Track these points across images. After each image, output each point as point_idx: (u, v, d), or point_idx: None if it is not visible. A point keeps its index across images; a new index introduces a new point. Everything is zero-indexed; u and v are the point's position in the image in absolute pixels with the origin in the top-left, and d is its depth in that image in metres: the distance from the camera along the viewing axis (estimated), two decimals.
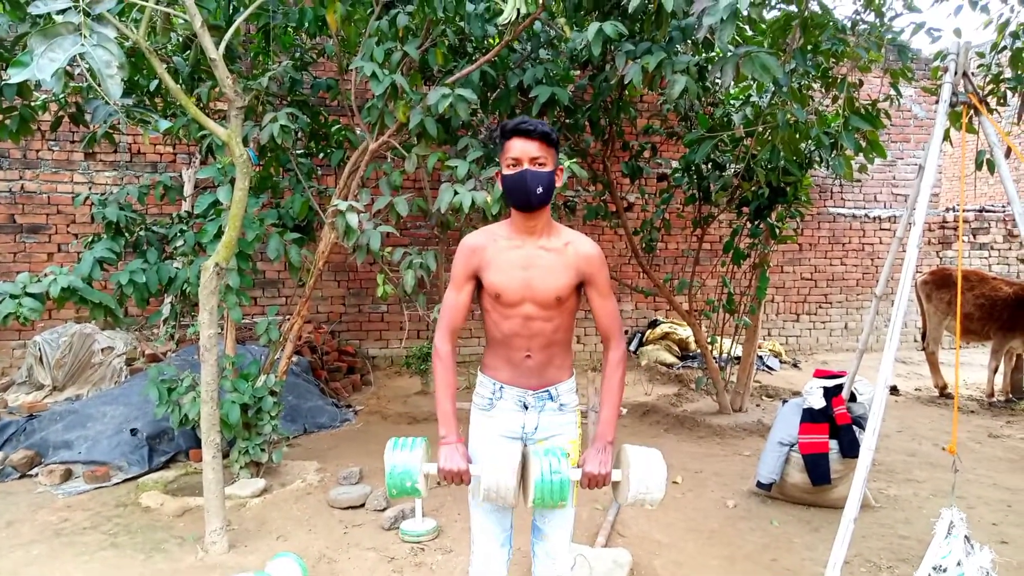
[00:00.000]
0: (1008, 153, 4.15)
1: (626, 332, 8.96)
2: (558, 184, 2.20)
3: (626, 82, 4.07)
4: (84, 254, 4.10)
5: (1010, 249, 10.03)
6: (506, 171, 2.14)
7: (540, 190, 2.11)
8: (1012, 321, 6.49)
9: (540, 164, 2.10)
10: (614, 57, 4.33)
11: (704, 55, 5.00)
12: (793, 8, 4.45)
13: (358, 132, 4.80)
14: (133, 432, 4.78)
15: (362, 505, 4.08)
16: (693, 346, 8.46)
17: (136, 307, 4.71)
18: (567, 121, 5.57)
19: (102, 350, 6.23)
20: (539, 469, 2.01)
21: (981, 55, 5.35)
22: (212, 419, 3.55)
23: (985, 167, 4.49)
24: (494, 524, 2.29)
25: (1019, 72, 5.09)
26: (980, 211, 10.14)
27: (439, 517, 3.89)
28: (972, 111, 2.98)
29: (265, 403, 4.29)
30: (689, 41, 4.52)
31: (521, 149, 2.11)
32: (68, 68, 3.03)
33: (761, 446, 4.62)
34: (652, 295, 7.01)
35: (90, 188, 7.25)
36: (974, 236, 9.92)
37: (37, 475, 4.57)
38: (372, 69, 3.97)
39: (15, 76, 2.51)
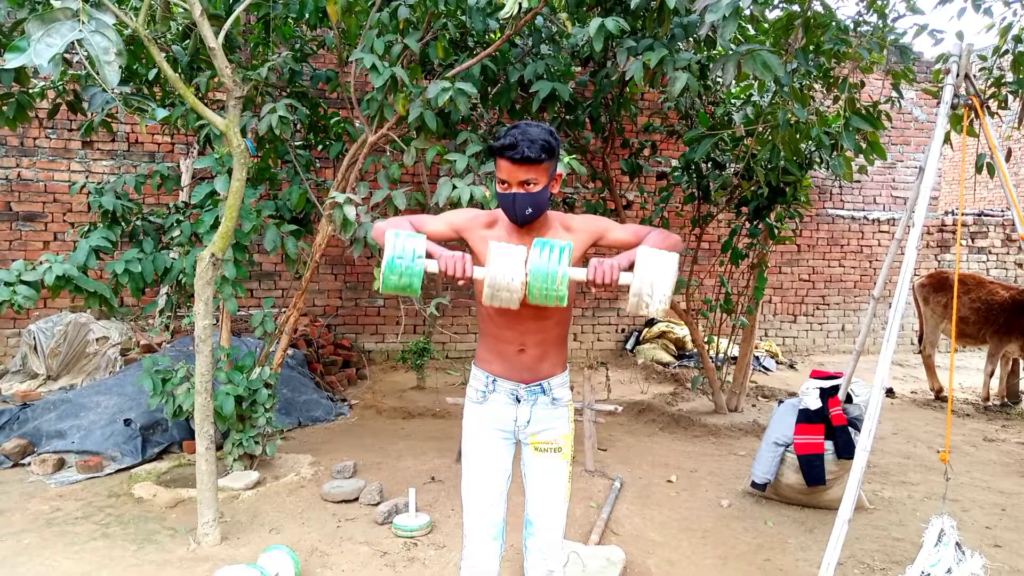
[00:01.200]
0: (1008, 156, 4.14)
1: (623, 331, 8.95)
2: (556, 188, 2.17)
3: (627, 79, 4.06)
4: (80, 243, 4.08)
5: (1008, 253, 10.04)
6: (497, 187, 2.12)
7: (529, 211, 2.09)
8: (1008, 325, 6.49)
9: (529, 185, 2.06)
10: (615, 53, 4.32)
11: (706, 53, 4.98)
12: (796, 7, 4.43)
13: (357, 124, 4.78)
14: (127, 422, 4.76)
15: (356, 499, 4.07)
16: (690, 345, 8.46)
17: (131, 297, 4.70)
18: (567, 117, 5.56)
19: (97, 340, 6.21)
20: (536, 256, 1.91)
21: (983, 58, 5.34)
22: (206, 410, 3.54)
23: (985, 170, 4.48)
24: (487, 518, 2.28)
25: (1020, 76, 5.08)
26: (979, 215, 10.14)
27: (432, 512, 3.88)
28: (973, 114, 2.97)
29: (260, 395, 4.27)
30: (691, 38, 4.50)
31: (508, 171, 2.05)
32: (66, 55, 3.01)
33: (756, 446, 4.62)
34: None
35: (87, 176, 7.23)
36: (972, 240, 9.93)
37: (29, 464, 4.55)
38: (372, 61, 3.95)
39: (12, 61, 2.49)
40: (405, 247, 1.93)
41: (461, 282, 1.98)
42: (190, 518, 3.70)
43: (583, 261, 2.19)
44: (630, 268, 1.97)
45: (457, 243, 2.28)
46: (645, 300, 1.91)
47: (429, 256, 1.99)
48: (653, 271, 1.90)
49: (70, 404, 5.06)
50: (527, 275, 1.91)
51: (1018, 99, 5.20)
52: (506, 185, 2.08)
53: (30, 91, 4.34)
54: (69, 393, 5.46)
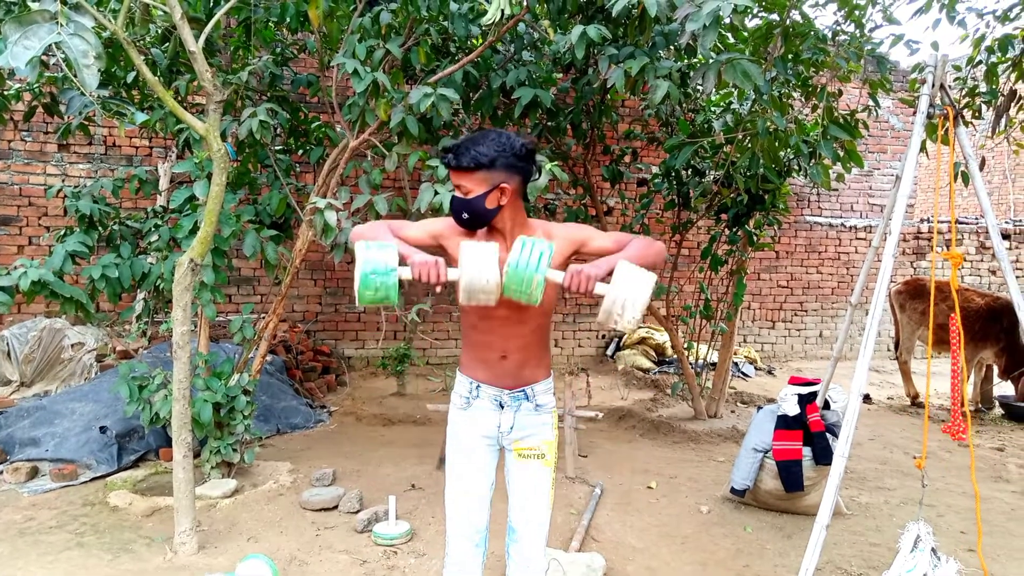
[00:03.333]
0: (982, 165, 4.21)
1: (603, 336, 8.98)
2: (504, 200, 2.12)
3: (608, 86, 4.08)
4: (56, 247, 4.02)
5: (982, 261, 10.20)
6: None
7: (464, 216, 2.13)
8: (983, 332, 6.58)
9: (463, 191, 2.11)
10: (597, 61, 4.34)
11: (686, 61, 5.02)
12: (775, 17, 4.48)
13: (338, 129, 4.76)
14: (102, 430, 4.70)
15: (335, 507, 4.04)
16: (670, 351, 8.50)
17: (108, 302, 4.64)
18: (549, 123, 5.58)
19: (72, 346, 6.12)
20: (516, 253, 1.92)
21: (958, 68, 5.44)
22: (183, 418, 3.50)
23: (960, 179, 4.56)
24: (469, 526, 2.28)
25: (993, 86, 5.18)
26: (954, 223, 10.28)
27: (413, 520, 3.86)
28: (948, 123, 3.01)
29: (238, 402, 4.23)
30: (672, 47, 4.54)
31: (451, 175, 2.15)
32: (43, 57, 2.98)
33: (735, 452, 4.64)
34: None
35: (63, 180, 7.13)
36: (948, 247, 10.07)
37: (2, 472, 4.47)
38: (354, 66, 3.94)
39: None
40: (377, 260, 1.92)
41: (438, 289, 1.99)
42: (167, 527, 3.65)
43: (566, 267, 2.20)
44: (609, 277, 1.98)
45: (435, 251, 2.27)
46: (615, 317, 1.93)
47: (403, 261, 1.98)
48: (627, 289, 1.92)
49: (44, 411, 4.98)
50: (504, 273, 1.91)
51: (991, 108, 5.29)
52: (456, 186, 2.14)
53: (5, 93, 4.28)
54: (43, 400, 5.38)
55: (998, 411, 6.87)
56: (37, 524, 3.79)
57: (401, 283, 1.96)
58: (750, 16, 4.43)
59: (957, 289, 2.89)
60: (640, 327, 8.88)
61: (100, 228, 4.38)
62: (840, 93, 5.10)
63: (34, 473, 4.46)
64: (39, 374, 6.02)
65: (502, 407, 2.27)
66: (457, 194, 2.13)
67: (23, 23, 2.48)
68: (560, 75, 5.72)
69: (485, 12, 3.83)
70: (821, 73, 4.97)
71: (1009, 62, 5.16)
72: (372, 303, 1.95)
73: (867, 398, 7.26)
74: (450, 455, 2.33)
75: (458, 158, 2.09)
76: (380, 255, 1.93)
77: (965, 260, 10.14)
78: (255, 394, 4.51)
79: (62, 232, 4.32)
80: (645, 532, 3.86)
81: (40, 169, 7.15)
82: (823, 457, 3.88)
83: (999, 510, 4.30)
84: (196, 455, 4.08)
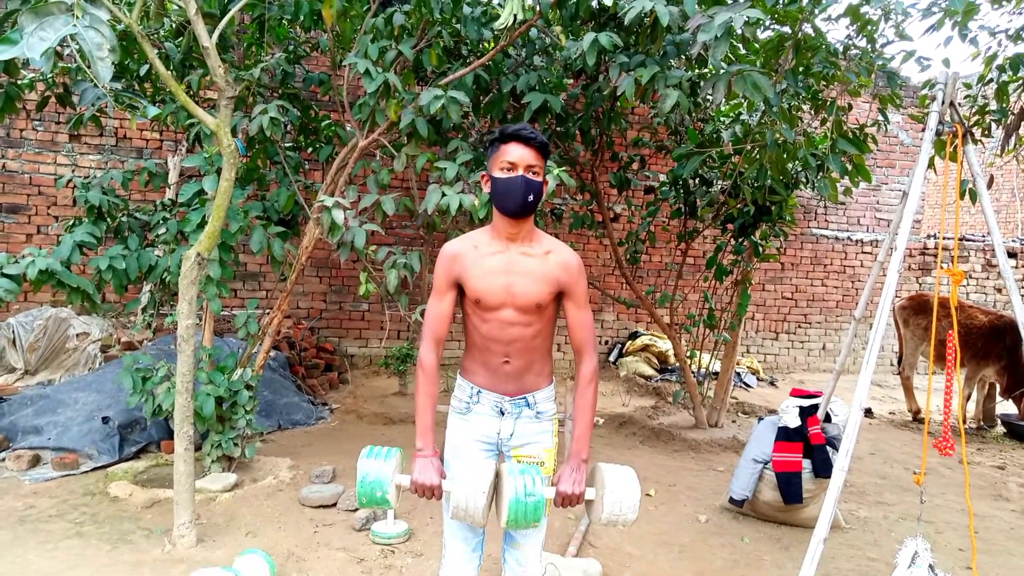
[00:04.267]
0: (990, 183, 4.21)
1: (606, 343, 8.98)
2: (543, 196, 2.22)
3: (618, 93, 4.09)
4: (64, 237, 4.04)
5: (988, 279, 10.17)
6: (499, 174, 2.13)
7: (532, 198, 2.12)
8: (986, 350, 6.57)
9: (535, 172, 2.12)
10: (608, 68, 4.35)
11: (697, 71, 5.03)
12: (787, 29, 4.49)
13: (348, 128, 4.78)
14: (105, 420, 4.72)
15: (334, 504, 4.05)
16: (672, 359, 8.50)
17: (114, 293, 4.66)
18: (558, 129, 5.59)
19: (77, 335, 6.15)
20: (514, 490, 1.98)
21: (968, 86, 5.44)
22: (186, 411, 3.51)
23: (967, 196, 4.55)
24: (466, 529, 2.28)
25: (1004, 105, 5.17)
26: (960, 240, 10.27)
27: (411, 520, 3.87)
28: (957, 140, 3.01)
29: (240, 397, 4.25)
30: (683, 56, 4.55)
31: (519, 155, 2.11)
32: (58, 48, 3.00)
33: (735, 462, 4.64)
34: (634, 307, 7.03)
35: (73, 171, 7.16)
36: (953, 264, 10.04)
37: (4, 460, 4.50)
38: (366, 66, 3.96)
39: (3, 54, 2.47)
40: (376, 480, 2.06)
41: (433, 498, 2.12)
42: (166, 519, 3.67)
43: (553, 297, 2.22)
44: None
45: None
46: (621, 521, 2.11)
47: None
48: (620, 497, 2.08)
49: (48, 400, 5.00)
50: (507, 508, 2.00)
51: (1001, 127, 5.29)
52: (512, 169, 2.12)
53: (19, 83, 4.31)
54: (47, 388, 5.40)
55: (1000, 429, 6.85)
56: (37, 512, 3.81)
57: (399, 490, 2.15)
58: (762, 28, 4.44)
59: (960, 306, 2.89)
60: (643, 333, 8.88)
61: (108, 219, 4.41)
62: (850, 107, 5.10)
63: (36, 461, 4.48)
64: (43, 363, 6.04)
65: (503, 414, 2.27)
66: (527, 175, 2.11)
67: (40, 14, 2.50)
68: (570, 81, 5.74)
69: (498, 16, 3.85)
70: (831, 87, 4.97)
71: (1020, 81, 5.16)
72: (370, 504, 2.11)
73: (868, 412, 7.25)
74: (448, 460, 2.33)
75: (540, 137, 2.15)
76: (378, 467, 2.07)
77: (971, 277, 10.12)
78: (257, 389, 4.53)
79: (71, 222, 4.35)
80: (642, 539, 3.86)
81: (51, 159, 7.19)
82: (823, 470, 3.88)
83: (999, 528, 4.30)
84: (197, 448, 4.09)
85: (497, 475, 2.11)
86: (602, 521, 2.09)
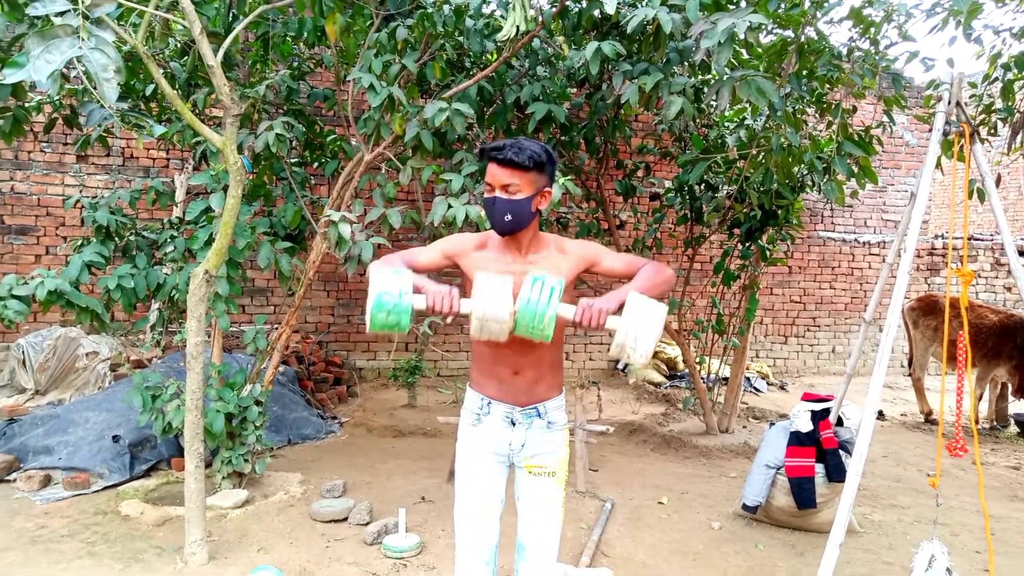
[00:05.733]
0: (998, 182, 4.19)
1: None
2: (543, 205, 2.15)
3: (622, 101, 4.09)
4: (72, 257, 4.06)
5: (997, 278, 10.12)
6: (484, 192, 2.14)
7: (508, 218, 2.09)
8: (997, 349, 6.53)
9: (511, 191, 2.07)
10: (611, 76, 4.36)
11: (700, 77, 5.03)
12: (790, 33, 4.49)
13: (353, 143, 4.79)
14: (115, 439, 4.72)
15: (345, 519, 4.04)
16: (681, 366, 8.47)
17: (123, 312, 4.67)
18: (563, 138, 5.60)
19: (87, 355, 6.17)
20: (527, 291, 1.90)
21: (973, 85, 5.43)
22: (196, 428, 3.51)
23: (976, 196, 4.53)
24: (479, 543, 2.27)
25: (1009, 103, 5.16)
26: (969, 239, 10.23)
27: (423, 533, 3.85)
28: (964, 140, 3.01)
29: (250, 413, 4.25)
30: (686, 63, 4.55)
31: (494, 174, 2.09)
32: (64, 70, 3.02)
33: (747, 468, 4.61)
34: None
35: (81, 191, 7.22)
36: (962, 263, 9.99)
37: (15, 480, 4.50)
38: (370, 81, 3.98)
39: (10, 76, 2.50)
40: (391, 284, 1.91)
41: (449, 318, 1.98)
42: (177, 537, 3.66)
43: (574, 285, 2.20)
44: (620, 309, 1.97)
45: (449, 273, 2.27)
46: (628, 351, 1.93)
47: (417, 291, 1.97)
48: (639, 324, 1.91)
49: (58, 420, 5.01)
50: (515, 310, 1.90)
51: (1007, 125, 5.27)
52: (490, 188, 2.10)
53: (27, 105, 4.34)
54: (57, 408, 5.42)
55: (1013, 429, 6.79)
56: (49, 532, 3.81)
57: (413, 311, 1.94)
58: (764, 33, 4.44)
59: (970, 306, 2.88)
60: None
61: (116, 239, 4.42)
62: (854, 109, 5.10)
63: (47, 481, 4.49)
64: (53, 382, 6.06)
65: (514, 424, 2.25)
66: (501, 195, 2.08)
67: (46, 37, 2.52)
68: (574, 90, 5.75)
69: (500, 28, 3.86)
70: (836, 89, 4.96)
71: None
72: (383, 328, 1.93)
73: (880, 415, 7.20)
74: (459, 472, 2.32)
75: (518, 154, 2.04)
76: (394, 280, 1.92)
77: (980, 276, 10.06)
78: (267, 405, 4.53)
79: (79, 242, 4.37)
80: (656, 548, 3.84)
81: (58, 180, 7.24)
82: (836, 474, 3.85)
83: (1016, 530, 4.25)
84: (208, 465, 4.09)
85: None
86: (614, 348, 1.94)
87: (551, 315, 1.90)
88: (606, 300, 1.97)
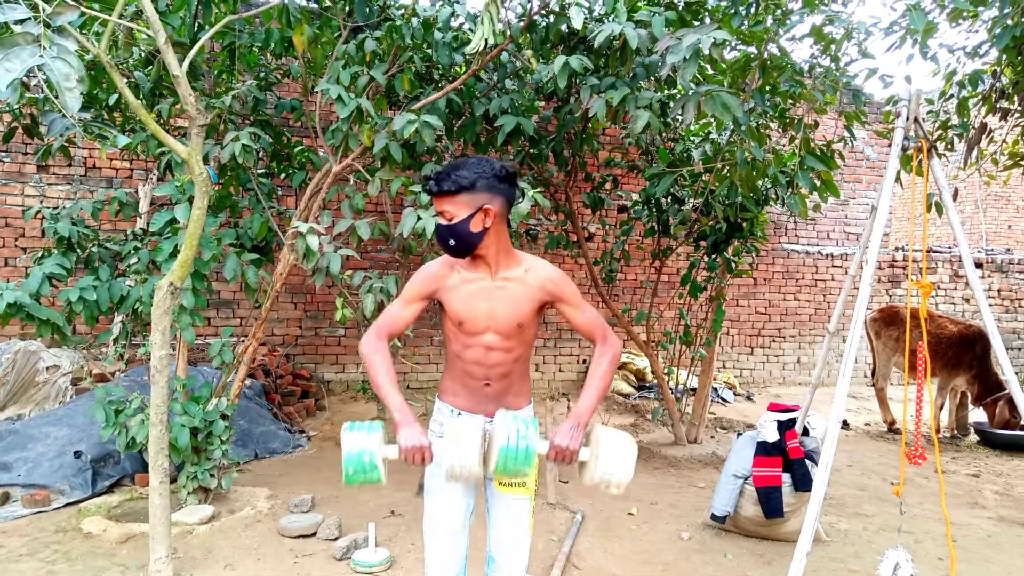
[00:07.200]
0: (955, 196, 4.31)
1: (583, 361, 8.99)
2: (488, 222, 2.12)
3: (590, 115, 4.13)
4: (33, 269, 3.98)
5: (955, 289, 10.35)
6: None
7: (452, 242, 2.14)
8: (956, 359, 6.67)
9: (447, 217, 2.12)
10: (579, 90, 4.40)
11: (666, 92, 5.10)
12: (753, 50, 4.58)
13: (321, 154, 4.77)
14: (77, 455, 4.62)
15: (313, 534, 3.99)
16: (650, 377, 8.53)
17: (85, 325, 4.58)
18: (531, 151, 5.63)
19: (47, 368, 6.03)
20: (505, 435, 1.97)
21: (930, 102, 5.58)
22: (160, 443, 3.45)
23: (934, 209, 4.65)
24: (449, 555, 2.26)
25: (965, 119, 5.31)
26: (928, 251, 10.46)
27: (392, 547, 3.82)
28: (923, 155, 3.08)
29: (216, 427, 4.19)
30: (652, 78, 4.61)
31: (435, 203, 2.16)
32: (24, 79, 2.97)
33: (715, 478, 4.65)
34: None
35: (41, 202, 7.06)
36: (922, 275, 10.20)
37: None
38: (338, 92, 3.97)
39: None
40: (363, 445, 2.00)
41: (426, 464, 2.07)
42: (142, 554, 3.59)
43: (537, 312, 2.23)
44: (586, 437, 2.14)
45: (434, 303, 2.31)
46: (612, 488, 2.04)
47: (396, 427, 2.08)
48: (615, 462, 2.03)
49: (17, 435, 4.89)
50: (495, 459, 1.98)
51: (963, 141, 5.42)
52: (439, 215, 2.16)
53: None
54: (16, 424, 5.28)
55: (973, 438, 6.94)
56: (6, 552, 3.71)
57: (387, 463, 2.07)
58: (728, 49, 4.52)
59: (930, 317, 2.94)
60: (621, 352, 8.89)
61: (78, 250, 4.34)
62: (816, 124, 5.20)
63: (5, 499, 4.37)
64: (12, 397, 5.91)
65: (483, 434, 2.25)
66: (441, 221, 2.13)
67: (5, 45, 2.47)
68: (542, 104, 5.79)
69: (469, 41, 3.88)
70: (798, 105, 5.07)
71: (979, 96, 5.30)
72: (358, 480, 2.02)
73: (845, 424, 7.31)
74: (428, 484, 2.31)
75: (439, 183, 2.10)
76: (365, 442, 2.00)
77: (939, 288, 10.29)
78: (233, 419, 4.46)
79: (40, 254, 4.29)
80: (626, 559, 3.85)
81: (18, 190, 7.08)
82: (802, 484, 3.90)
83: (976, 536, 4.34)
84: (172, 480, 4.02)
85: (486, 436, 2.09)
86: (594, 481, 2.04)
87: (530, 459, 2.00)
88: (573, 439, 2.08)
